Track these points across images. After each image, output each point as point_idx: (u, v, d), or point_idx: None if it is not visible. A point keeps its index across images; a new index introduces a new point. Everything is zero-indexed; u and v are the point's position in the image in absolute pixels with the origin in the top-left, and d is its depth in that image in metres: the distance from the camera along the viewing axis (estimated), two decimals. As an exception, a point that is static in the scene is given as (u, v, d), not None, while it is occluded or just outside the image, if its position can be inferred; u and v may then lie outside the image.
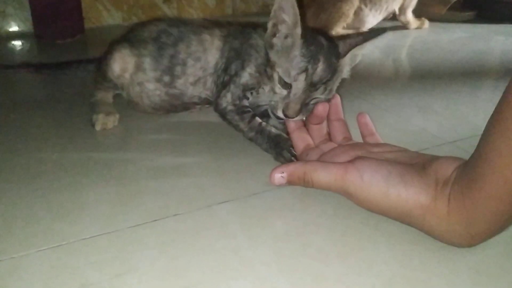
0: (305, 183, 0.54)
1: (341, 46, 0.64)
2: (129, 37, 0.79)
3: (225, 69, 0.72)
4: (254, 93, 0.69)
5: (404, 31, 1.53)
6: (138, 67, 0.76)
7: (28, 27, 1.42)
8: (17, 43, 1.35)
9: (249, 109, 0.70)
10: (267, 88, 0.66)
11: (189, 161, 0.65)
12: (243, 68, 0.69)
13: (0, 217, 0.52)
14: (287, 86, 0.62)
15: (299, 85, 0.62)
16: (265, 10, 1.76)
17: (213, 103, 0.75)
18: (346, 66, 0.65)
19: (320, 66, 0.61)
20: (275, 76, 0.63)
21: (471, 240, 0.45)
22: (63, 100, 0.88)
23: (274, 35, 0.64)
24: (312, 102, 0.63)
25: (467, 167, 0.44)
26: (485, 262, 0.45)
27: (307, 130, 0.63)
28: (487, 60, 1.24)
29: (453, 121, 0.80)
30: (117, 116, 0.77)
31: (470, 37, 1.46)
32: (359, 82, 1.05)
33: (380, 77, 1.10)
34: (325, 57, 0.62)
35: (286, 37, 0.63)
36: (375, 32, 0.64)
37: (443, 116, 0.83)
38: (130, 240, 0.48)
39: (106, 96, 0.82)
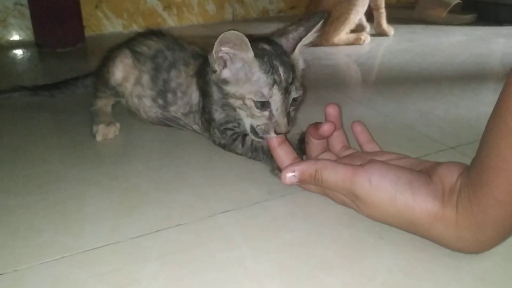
0: (316, 181, 0.53)
1: (285, 44, 0.64)
2: (130, 45, 0.78)
3: (203, 108, 0.71)
4: (236, 124, 0.68)
5: (408, 35, 1.53)
6: (138, 81, 0.76)
7: (29, 36, 1.43)
8: (18, 52, 1.36)
9: (237, 132, 0.68)
10: (244, 116, 0.64)
11: (190, 171, 0.65)
12: (211, 105, 0.68)
13: (3, 229, 0.52)
14: (265, 106, 0.61)
15: (276, 98, 0.60)
16: (265, 16, 1.77)
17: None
18: (299, 59, 0.65)
19: (281, 70, 0.60)
20: (250, 104, 0.61)
21: (480, 246, 0.45)
22: (63, 110, 0.88)
23: (220, 71, 0.62)
24: (291, 109, 0.63)
25: (471, 173, 0.43)
26: (490, 270, 0.45)
27: (308, 143, 0.62)
28: (488, 63, 1.24)
29: (455, 126, 0.80)
30: (118, 126, 0.77)
31: (470, 40, 1.46)
32: (360, 88, 1.06)
33: (381, 82, 1.10)
34: (278, 60, 0.61)
35: (235, 66, 0.61)
36: (313, 19, 0.64)
37: (445, 121, 0.82)
38: (133, 252, 0.48)
39: (106, 105, 0.82)
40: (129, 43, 0.79)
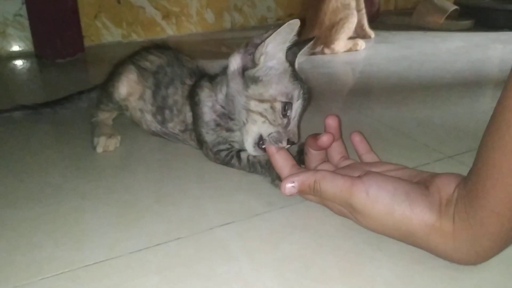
0: (315, 191, 0.53)
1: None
2: (135, 60, 0.78)
3: (194, 130, 0.71)
4: (228, 145, 0.68)
5: (406, 42, 1.54)
6: (141, 96, 0.77)
7: (28, 46, 1.43)
8: (18, 63, 1.36)
9: (231, 151, 0.68)
10: (259, 122, 0.62)
11: (189, 182, 0.65)
12: (202, 128, 0.69)
13: (3, 243, 0.52)
14: (286, 112, 0.62)
15: (299, 104, 0.63)
16: (264, 24, 1.77)
17: None
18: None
19: (299, 79, 0.64)
20: (278, 107, 0.61)
21: (477, 257, 0.45)
22: (63, 123, 0.89)
23: (254, 66, 0.62)
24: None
25: (468, 184, 0.44)
26: (488, 280, 0.45)
27: (306, 154, 0.62)
28: (485, 69, 1.24)
29: (453, 135, 0.80)
30: (119, 138, 0.78)
31: (468, 46, 1.46)
32: (358, 96, 1.06)
33: (379, 90, 1.10)
34: (295, 70, 0.65)
35: (268, 64, 0.62)
36: (304, 41, 0.67)
37: (443, 129, 0.83)
38: (133, 266, 0.48)
39: (108, 118, 0.82)
40: (134, 57, 0.79)
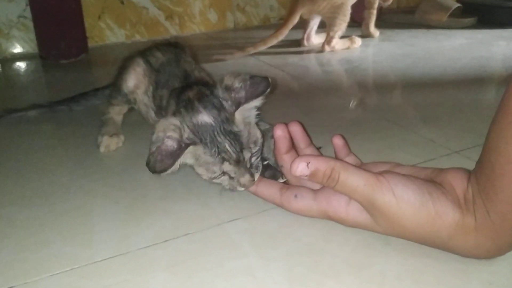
0: (330, 180, 0.47)
1: (228, 101, 0.56)
2: (144, 55, 0.78)
3: None
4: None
5: (409, 40, 1.53)
6: (146, 91, 0.77)
7: (32, 48, 1.44)
8: (22, 64, 1.37)
9: None
10: None
11: (197, 179, 0.65)
12: None
13: (12, 241, 0.53)
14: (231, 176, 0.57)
15: (229, 169, 0.56)
16: (267, 23, 1.77)
17: None
18: (244, 122, 0.57)
19: (227, 145, 0.54)
20: (206, 179, 0.58)
21: (497, 251, 0.45)
22: (69, 122, 0.89)
23: None
24: (254, 159, 0.57)
25: (481, 179, 0.43)
26: (498, 274, 0.45)
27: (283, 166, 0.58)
28: (489, 66, 1.24)
29: (459, 130, 0.80)
30: (122, 137, 0.78)
31: (472, 43, 1.46)
32: (363, 93, 1.06)
33: (384, 87, 1.10)
34: (222, 134, 0.55)
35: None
36: (257, 87, 0.56)
37: (448, 125, 0.82)
38: (142, 262, 0.48)
39: (118, 113, 0.82)
40: (143, 52, 0.79)
